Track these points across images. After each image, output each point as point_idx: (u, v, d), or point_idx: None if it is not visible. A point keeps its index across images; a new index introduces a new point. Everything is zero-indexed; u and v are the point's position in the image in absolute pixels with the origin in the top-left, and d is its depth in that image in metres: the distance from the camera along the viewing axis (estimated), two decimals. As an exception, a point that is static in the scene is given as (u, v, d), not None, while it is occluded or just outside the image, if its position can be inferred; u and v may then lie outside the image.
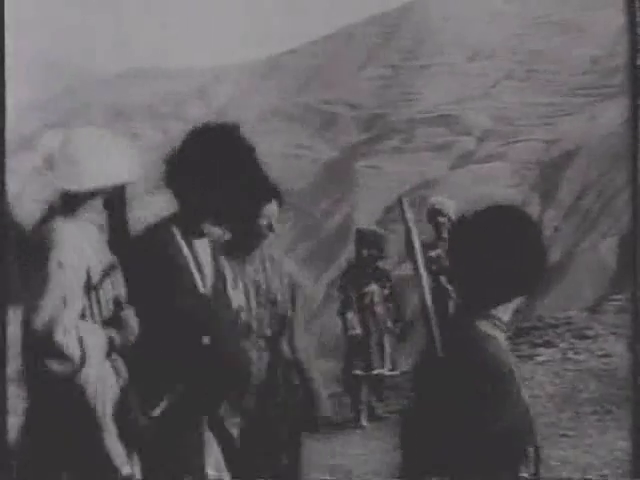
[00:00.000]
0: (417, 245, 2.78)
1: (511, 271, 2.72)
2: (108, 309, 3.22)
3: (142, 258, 3.28)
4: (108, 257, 3.26)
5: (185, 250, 3.34)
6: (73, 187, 3.18)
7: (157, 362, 3.22)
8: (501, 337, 2.76)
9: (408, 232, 2.79)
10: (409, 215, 2.78)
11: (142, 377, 3.19)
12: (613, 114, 18.17)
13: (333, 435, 7.46)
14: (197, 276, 3.35)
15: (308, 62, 25.03)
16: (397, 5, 25.80)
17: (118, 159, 3.27)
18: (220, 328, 3.34)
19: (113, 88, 24.56)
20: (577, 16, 23.10)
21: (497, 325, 2.76)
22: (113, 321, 3.22)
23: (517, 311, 2.88)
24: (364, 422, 7.81)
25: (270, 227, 4.27)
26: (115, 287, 3.26)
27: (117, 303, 3.25)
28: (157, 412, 3.21)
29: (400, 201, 2.80)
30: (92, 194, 3.22)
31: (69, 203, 3.22)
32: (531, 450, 2.75)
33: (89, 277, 3.16)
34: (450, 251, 2.99)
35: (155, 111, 24.31)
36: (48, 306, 3.03)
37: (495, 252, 2.72)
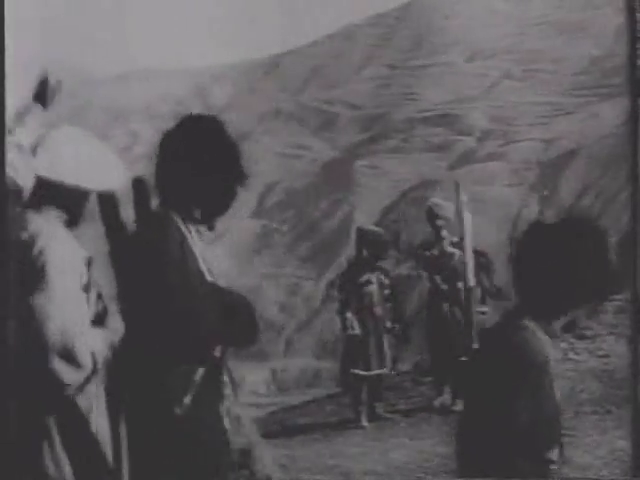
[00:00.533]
0: (468, 231, 2.86)
1: (578, 284, 2.76)
2: (94, 308, 3.10)
3: (148, 248, 3.15)
4: (83, 253, 3.11)
5: (188, 236, 3.28)
6: (54, 177, 3.04)
7: (174, 353, 3.13)
8: (540, 333, 2.78)
9: (460, 216, 2.86)
10: (463, 198, 2.87)
11: (161, 369, 3.10)
12: (613, 114, 18.17)
13: (333, 435, 7.47)
14: (202, 263, 3.27)
15: (307, 62, 25.02)
16: (396, 5, 25.79)
17: (104, 165, 3.16)
18: (230, 319, 3.28)
19: (112, 88, 24.54)
20: (576, 16, 23.08)
21: (544, 328, 2.78)
22: (99, 321, 3.09)
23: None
24: (364, 422, 7.82)
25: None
26: (95, 284, 3.12)
27: (100, 301, 3.11)
28: (187, 400, 3.12)
29: (457, 185, 2.90)
30: (68, 191, 3.08)
31: (40, 194, 3.06)
32: (556, 449, 2.74)
33: (82, 277, 3.04)
34: (519, 257, 2.97)
35: (154, 111, 24.30)
36: (57, 313, 2.88)
37: (565, 265, 2.76)
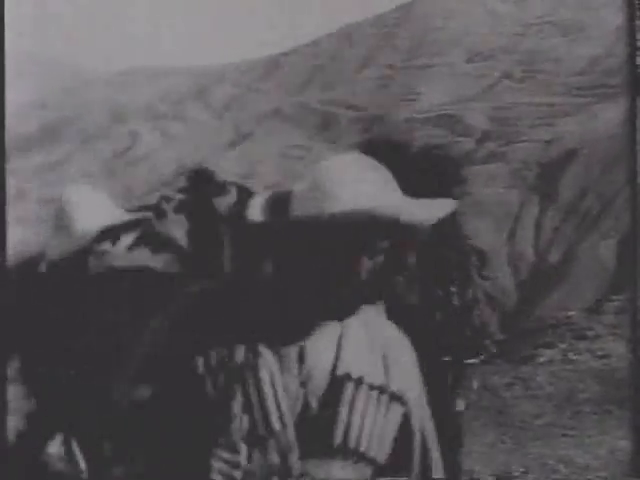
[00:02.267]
0: None
1: None
2: None
3: None
4: None
5: None
6: None
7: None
8: None
9: None
10: None
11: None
12: (612, 114, 18.19)
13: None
14: None
15: (308, 62, 25.03)
16: (396, 5, 25.83)
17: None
18: None
19: (113, 87, 24.55)
20: (576, 16, 23.12)
21: None
22: None
23: None
24: (364, 422, 7.83)
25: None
26: None
27: None
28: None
29: None
30: None
31: None
32: None
33: None
34: None
35: (155, 111, 24.30)
36: None
37: None
